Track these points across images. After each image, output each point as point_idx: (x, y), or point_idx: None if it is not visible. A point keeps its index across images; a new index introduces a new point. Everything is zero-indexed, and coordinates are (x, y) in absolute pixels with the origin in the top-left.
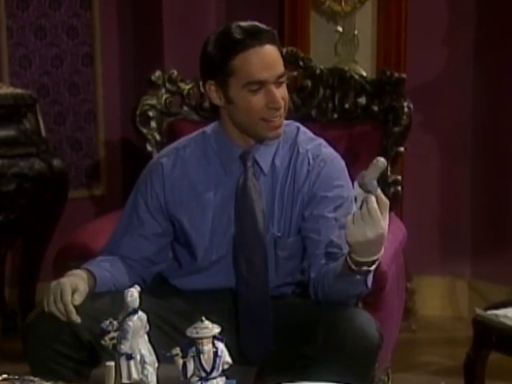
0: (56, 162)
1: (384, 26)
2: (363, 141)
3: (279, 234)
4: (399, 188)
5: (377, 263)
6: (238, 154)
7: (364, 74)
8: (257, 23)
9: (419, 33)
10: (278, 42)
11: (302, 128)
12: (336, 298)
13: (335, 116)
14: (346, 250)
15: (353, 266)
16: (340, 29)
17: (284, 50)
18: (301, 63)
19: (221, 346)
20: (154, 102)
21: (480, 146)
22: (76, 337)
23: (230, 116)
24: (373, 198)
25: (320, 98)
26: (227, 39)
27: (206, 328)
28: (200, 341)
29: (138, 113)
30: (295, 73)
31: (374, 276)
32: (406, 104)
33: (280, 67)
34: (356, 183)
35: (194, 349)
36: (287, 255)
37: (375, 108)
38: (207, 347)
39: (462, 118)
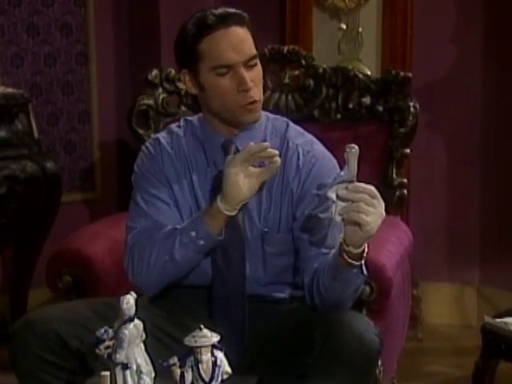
0: (49, 165)
1: (389, 23)
2: (367, 142)
3: (266, 230)
4: (405, 191)
5: (366, 245)
6: (221, 143)
7: (368, 72)
8: (227, 8)
9: (426, 30)
10: (247, 24)
11: (292, 124)
12: (334, 300)
13: (338, 116)
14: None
15: (350, 261)
16: (344, 26)
17: (285, 48)
18: (303, 62)
19: (220, 355)
20: (150, 101)
21: (489, 147)
22: (64, 345)
23: (207, 104)
24: (360, 183)
25: (323, 98)
26: (195, 24)
27: (205, 336)
28: (198, 350)
29: (134, 113)
30: (297, 72)
31: (378, 283)
32: (411, 104)
33: (249, 49)
34: (334, 183)
35: (192, 358)
36: (275, 251)
37: (380, 108)
38: (206, 356)
39: (470, 119)
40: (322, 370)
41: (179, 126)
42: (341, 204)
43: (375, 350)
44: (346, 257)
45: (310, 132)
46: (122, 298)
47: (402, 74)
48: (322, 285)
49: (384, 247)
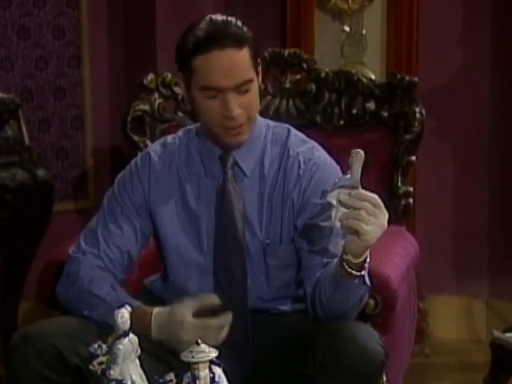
0: (40, 172)
1: (394, 26)
2: (372, 149)
3: (268, 241)
4: (410, 200)
5: (368, 255)
6: (218, 155)
7: (373, 77)
8: (231, 21)
9: (432, 32)
10: (248, 43)
11: (293, 130)
12: (337, 310)
13: (342, 122)
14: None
15: (350, 271)
16: (347, 28)
17: (286, 52)
18: (304, 65)
19: (218, 371)
20: (146, 107)
21: (498, 154)
22: (63, 360)
23: (196, 114)
24: (363, 191)
25: (325, 103)
26: (192, 36)
27: (203, 352)
28: (196, 365)
29: (129, 119)
30: (298, 76)
31: (383, 296)
32: (417, 109)
33: (241, 75)
34: (335, 187)
35: (189, 374)
36: (278, 264)
37: (385, 114)
38: (203, 373)
39: (478, 125)
40: (324, 381)
41: (175, 138)
42: (342, 210)
43: (380, 360)
44: (346, 266)
45: (311, 139)
46: (116, 311)
47: (407, 78)
48: (324, 295)
49: (389, 258)
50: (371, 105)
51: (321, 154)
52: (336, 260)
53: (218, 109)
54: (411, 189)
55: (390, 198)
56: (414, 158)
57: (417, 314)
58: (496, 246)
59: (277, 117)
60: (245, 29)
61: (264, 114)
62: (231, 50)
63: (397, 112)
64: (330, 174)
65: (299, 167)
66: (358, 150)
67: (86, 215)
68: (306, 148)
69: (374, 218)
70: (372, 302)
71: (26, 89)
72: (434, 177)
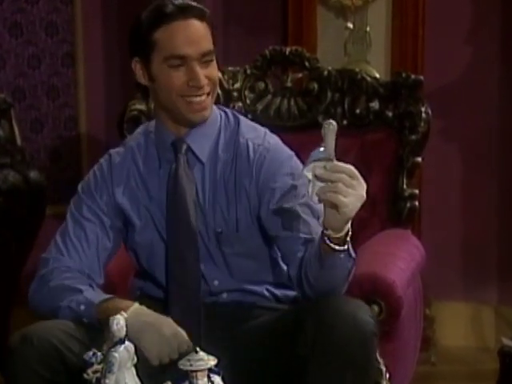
0: (33, 174)
1: (399, 22)
2: (376, 150)
3: (220, 230)
4: (416, 203)
5: (350, 227)
6: (171, 141)
7: (377, 75)
8: (189, 1)
9: (438, 29)
10: (208, 20)
11: (243, 118)
12: (325, 287)
13: (345, 122)
14: (316, 235)
15: (333, 246)
16: (350, 25)
17: (287, 50)
18: (306, 64)
19: (217, 379)
20: (142, 106)
21: (507, 155)
22: (63, 361)
23: (156, 97)
24: (339, 163)
25: (328, 103)
26: (152, 12)
27: (201, 360)
28: (194, 374)
29: (125, 119)
30: (300, 74)
31: (388, 302)
32: (423, 109)
33: (206, 44)
34: (309, 161)
35: (187, 383)
36: (235, 252)
37: (389, 113)
38: (202, 381)
39: (486, 125)
40: (318, 359)
41: (135, 134)
42: (318, 184)
43: (370, 332)
44: (328, 242)
45: (315, 139)
46: (111, 318)
47: (412, 76)
48: (311, 274)
49: (394, 263)
50: (375, 104)
51: (272, 139)
52: (316, 239)
53: (184, 78)
54: (417, 191)
55: (395, 201)
56: (419, 159)
57: (423, 321)
58: (505, 251)
59: (278, 117)
60: (204, 7)
61: (264, 113)
62: (194, 21)
63: (402, 112)
64: (282, 157)
65: (248, 154)
66: (330, 120)
67: None
68: (257, 135)
69: (352, 190)
70: (376, 308)
71: (19, 88)
72: (441, 179)
